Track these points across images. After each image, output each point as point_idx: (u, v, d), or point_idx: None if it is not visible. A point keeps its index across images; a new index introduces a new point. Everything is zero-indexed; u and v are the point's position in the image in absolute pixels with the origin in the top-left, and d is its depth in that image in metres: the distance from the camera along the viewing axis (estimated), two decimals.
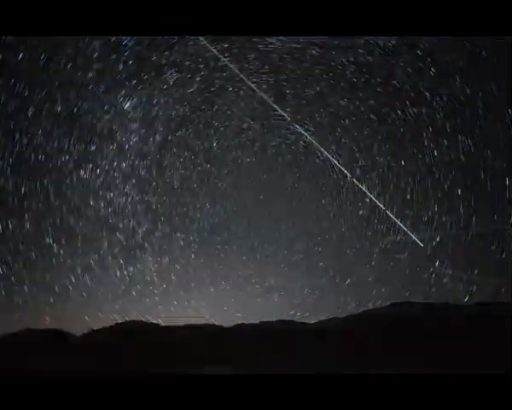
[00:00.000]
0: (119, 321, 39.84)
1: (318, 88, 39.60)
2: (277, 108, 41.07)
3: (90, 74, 34.81)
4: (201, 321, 43.92)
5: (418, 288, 41.03)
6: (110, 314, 41.14)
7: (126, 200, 43.47)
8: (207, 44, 34.79)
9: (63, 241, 40.11)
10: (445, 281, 39.27)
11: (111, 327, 38.05)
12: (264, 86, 40.57)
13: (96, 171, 40.28)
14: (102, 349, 21.06)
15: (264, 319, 43.21)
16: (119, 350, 18.51)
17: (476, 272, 37.88)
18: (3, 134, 33.43)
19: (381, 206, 42.14)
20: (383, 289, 42.30)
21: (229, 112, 42.81)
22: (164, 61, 36.68)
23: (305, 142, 43.60)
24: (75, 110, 36.35)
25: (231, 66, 37.39)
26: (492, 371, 8.43)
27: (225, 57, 36.68)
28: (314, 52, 36.52)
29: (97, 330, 30.80)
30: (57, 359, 17.38)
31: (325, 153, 42.95)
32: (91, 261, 41.48)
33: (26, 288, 37.08)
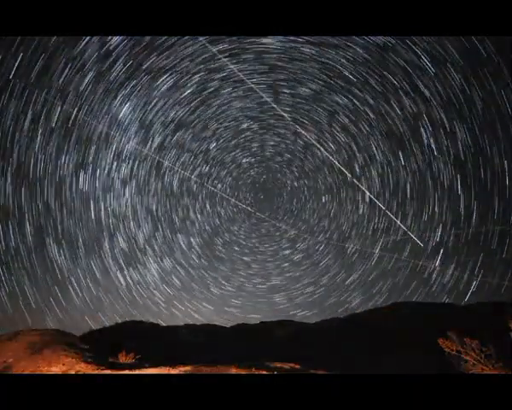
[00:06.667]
0: (119, 321, 39.91)
1: (317, 87, 39.66)
2: (276, 108, 41.08)
3: (88, 76, 34.76)
4: (202, 321, 44.01)
5: (418, 288, 41.06)
6: (110, 315, 41.15)
7: (127, 202, 43.49)
8: (207, 44, 34.76)
9: (63, 242, 40.15)
10: (445, 281, 39.28)
11: (111, 327, 38.06)
12: (264, 86, 40.67)
13: (95, 174, 40.32)
14: (102, 349, 21.03)
15: (265, 319, 43.32)
16: (119, 350, 18.46)
17: (476, 271, 37.92)
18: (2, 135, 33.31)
19: (381, 206, 42.10)
20: (383, 289, 42.33)
21: (228, 112, 42.91)
22: (161, 62, 36.63)
23: (304, 141, 43.67)
24: (74, 112, 36.29)
25: (231, 66, 37.36)
26: (493, 372, 8.41)
27: (225, 57, 36.70)
28: (312, 51, 36.56)
29: (97, 330, 30.78)
30: (57, 358, 17.36)
31: (325, 153, 42.92)
32: (92, 263, 41.53)
33: (26, 289, 37.14)
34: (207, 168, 46.94)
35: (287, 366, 17.58)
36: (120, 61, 35.28)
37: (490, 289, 36.73)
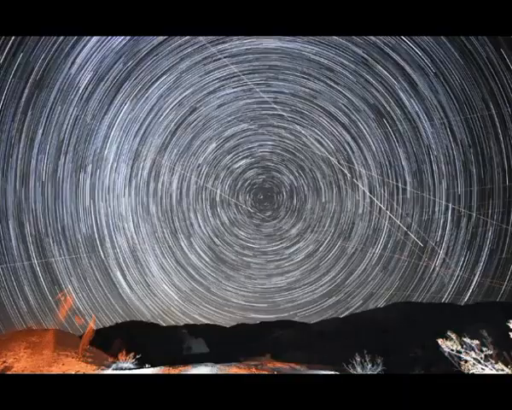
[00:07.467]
0: (119, 321, 39.91)
1: (317, 86, 39.67)
2: (276, 108, 41.11)
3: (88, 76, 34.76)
4: (202, 321, 44.00)
5: (418, 288, 41.06)
6: (110, 315, 41.14)
7: (127, 202, 43.51)
8: (207, 44, 34.77)
9: (63, 242, 40.16)
10: (445, 281, 39.27)
11: (111, 327, 38.06)
12: (264, 86, 40.67)
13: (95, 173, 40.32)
14: (102, 349, 21.04)
15: (265, 319, 43.34)
16: (119, 350, 18.45)
17: (476, 271, 37.93)
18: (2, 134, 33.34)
19: (381, 206, 42.12)
20: (383, 289, 42.34)
21: (227, 112, 42.93)
22: (161, 63, 36.62)
23: (304, 141, 43.69)
24: (74, 112, 36.31)
25: (231, 66, 37.38)
26: (493, 372, 8.40)
27: (225, 57, 36.71)
28: (313, 51, 36.56)
29: (97, 330, 30.76)
30: (57, 358, 17.36)
31: (325, 152, 42.94)
32: (91, 263, 41.54)
33: (26, 288, 37.14)
34: (207, 169, 46.99)
35: (287, 365, 17.58)
36: (120, 60, 35.30)
37: (490, 289, 36.72)
